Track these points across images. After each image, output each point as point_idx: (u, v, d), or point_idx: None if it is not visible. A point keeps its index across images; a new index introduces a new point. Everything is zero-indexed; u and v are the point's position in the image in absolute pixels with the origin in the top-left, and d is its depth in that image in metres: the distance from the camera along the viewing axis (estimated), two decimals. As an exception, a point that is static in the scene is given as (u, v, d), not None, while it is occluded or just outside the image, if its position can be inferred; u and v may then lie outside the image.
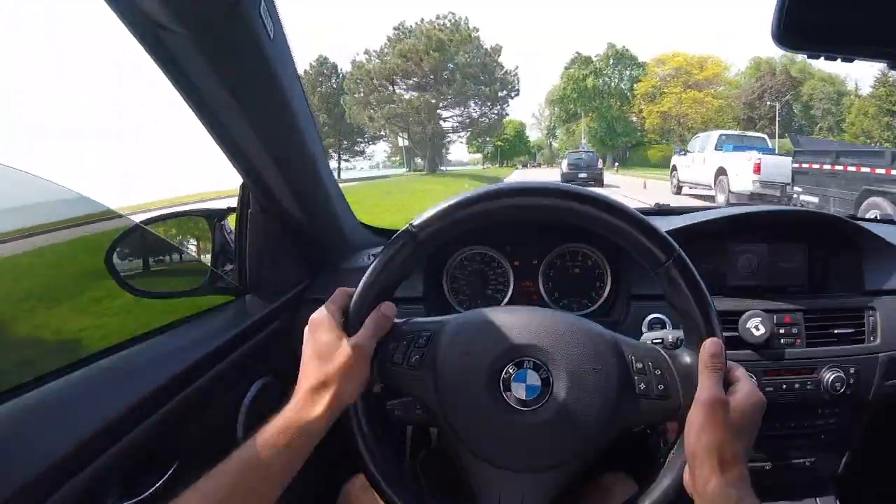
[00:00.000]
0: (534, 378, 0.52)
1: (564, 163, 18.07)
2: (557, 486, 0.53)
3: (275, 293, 0.86)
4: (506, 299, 1.00)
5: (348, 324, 0.54)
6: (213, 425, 0.75)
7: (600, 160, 18.70)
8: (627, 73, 40.89)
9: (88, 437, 0.51)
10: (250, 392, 0.81)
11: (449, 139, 36.13)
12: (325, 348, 0.52)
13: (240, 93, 0.62)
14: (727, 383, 0.51)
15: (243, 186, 0.84)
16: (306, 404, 0.50)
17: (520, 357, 0.53)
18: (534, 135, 57.02)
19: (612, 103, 40.24)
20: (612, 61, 41.16)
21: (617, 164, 35.28)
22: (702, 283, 0.52)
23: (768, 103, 31.32)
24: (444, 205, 0.54)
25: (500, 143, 50.62)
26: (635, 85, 39.06)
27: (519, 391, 0.52)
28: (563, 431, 0.51)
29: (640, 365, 0.53)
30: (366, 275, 0.55)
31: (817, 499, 1.01)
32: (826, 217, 0.95)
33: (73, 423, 0.52)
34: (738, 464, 0.48)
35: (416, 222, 0.54)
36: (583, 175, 16.07)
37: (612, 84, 41.33)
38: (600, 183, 15.35)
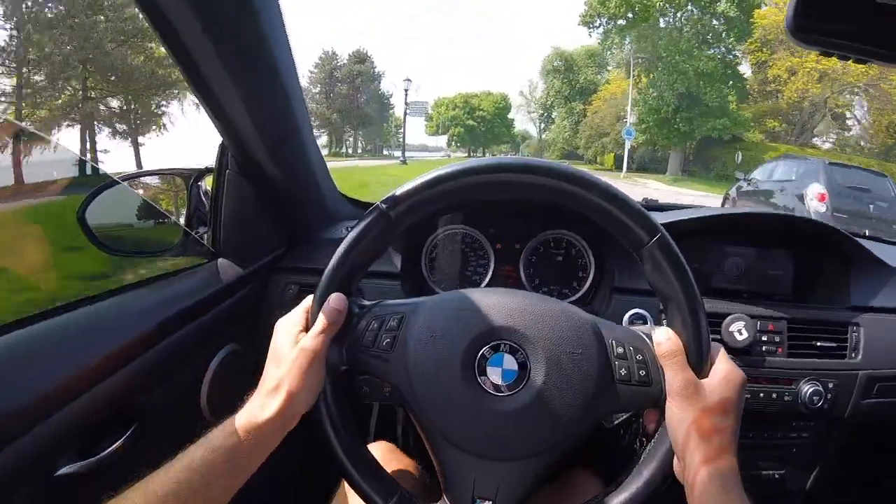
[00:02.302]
0: (510, 362, 0.50)
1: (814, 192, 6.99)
2: (534, 475, 0.51)
3: (248, 259, 0.83)
4: (484, 282, 0.98)
5: (311, 317, 0.53)
6: (177, 390, 0.73)
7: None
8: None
9: (44, 392, 0.49)
10: (216, 358, 0.79)
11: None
12: (279, 351, 0.52)
13: (225, 46, 0.59)
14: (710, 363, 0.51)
15: (222, 147, 0.81)
16: (257, 407, 0.49)
17: (496, 340, 0.51)
18: (520, 122, 43.01)
19: (695, 50, 18.99)
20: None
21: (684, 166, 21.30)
22: (685, 265, 0.50)
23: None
24: (416, 181, 0.52)
25: (471, 121, 36.99)
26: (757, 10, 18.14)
27: (495, 376, 0.50)
28: (541, 417, 0.50)
29: (620, 349, 0.52)
30: (332, 260, 0.53)
31: None
32: (819, 226, 0.93)
33: (27, 378, 0.49)
34: (727, 453, 0.47)
35: (387, 200, 0.52)
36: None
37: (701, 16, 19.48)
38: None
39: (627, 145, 22.25)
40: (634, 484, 0.51)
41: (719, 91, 19.37)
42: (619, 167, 26.89)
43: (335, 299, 0.52)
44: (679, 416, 0.48)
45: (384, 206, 0.52)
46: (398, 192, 0.53)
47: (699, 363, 0.50)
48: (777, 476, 0.96)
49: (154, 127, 20.12)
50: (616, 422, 0.69)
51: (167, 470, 0.45)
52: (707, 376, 0.50)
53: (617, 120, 26.06)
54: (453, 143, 40.40)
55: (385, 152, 38.04)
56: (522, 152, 42.14)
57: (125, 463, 0.51)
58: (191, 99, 18.63)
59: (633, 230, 0.51)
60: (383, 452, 0.78)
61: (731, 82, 20.51)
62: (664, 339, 0.51)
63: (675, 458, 0.50)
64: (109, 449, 0.59)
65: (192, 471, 0.45)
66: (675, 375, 0.49)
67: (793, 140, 20.65)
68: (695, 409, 0.48)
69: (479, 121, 38.15)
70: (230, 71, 0.62)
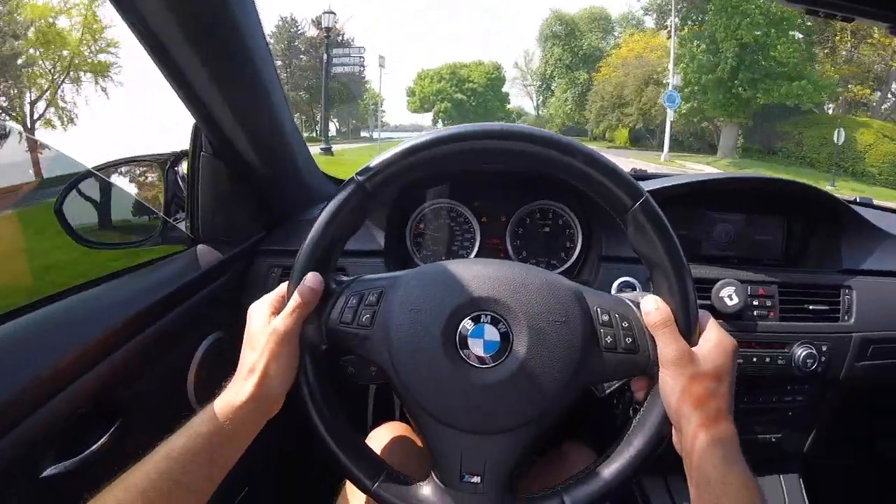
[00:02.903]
0: (492, 333, 0.49)
1: None
2: (522, 447, 0.50)
3: (229, 243, 0.81)
4: (471, 256, 0.96)
5: (287, 296, 0.52)
6: (162, 381, 0.72)
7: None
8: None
9: (23, 390, 0.48)
10: (201, 347, 0.77)
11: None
12: (253, 334, 0.51)
13: (194, 25, 0.57)
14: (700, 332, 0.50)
15: (195, 128, 0.78)
16: (233, 392, 0.49)
17: (476, 311, 0.50)
18: (515, 97, 38.39)
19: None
20: None
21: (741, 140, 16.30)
22: (670, 229, 0.49)
23: None
24: (393, 151, 0.51)
25: (459, 94, 33.04)
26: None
27: (477, 348, 0.49)
28: (526, 388, 0.48)
29: (605, 317, 0.51)
30: (309, 237, 0.52)
31: (781, 476, 1.01)
32: (809, 190, 0.92)
33: (4, 376, 0.48)
34: (724, 419, 0.47)
35: (362, 171, 0.51)
36: None
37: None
38: None
39: (670, 116, 16.26)
40: (625, 454, 0.50)
41: (795, 44, 13.89)
42: (635, 142, 23.08)
43: (310, 278, 0.51)
44: (672, 384, 0.48)
45: (360, 177, 0.51)
46: (373, 162, 0.51)
47: (688, 331, 0.50)
48: (773, 440, 0.96)
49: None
50: (608, 391, 0.69)
51: (147, 461, 0.44)
52: (697, 345, 0.50)
53: (646, 84, 21.03)
54: (440, 120, 33.66)
55: (363, 133, 32.70)
56: None
57: (112, 459, 0.50)
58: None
59: (616, 195, 0.50)
60: (395, 432, 0.77)
61: (811, 34, 14.13)
62: (653, 308, 0.50)
63: (672, 428, 0.49)
64: (95, 446, 0.58)
65: (171, 460, 0.44)
66: (667, 345, 0.49)
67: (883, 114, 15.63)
68: (688, 376, 0.47)
69: (468, 94, 33.17)
70: (199, 50, 0.60)
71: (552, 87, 31.91)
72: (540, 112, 35.03)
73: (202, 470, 0.45)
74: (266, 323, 0.51)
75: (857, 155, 13.04)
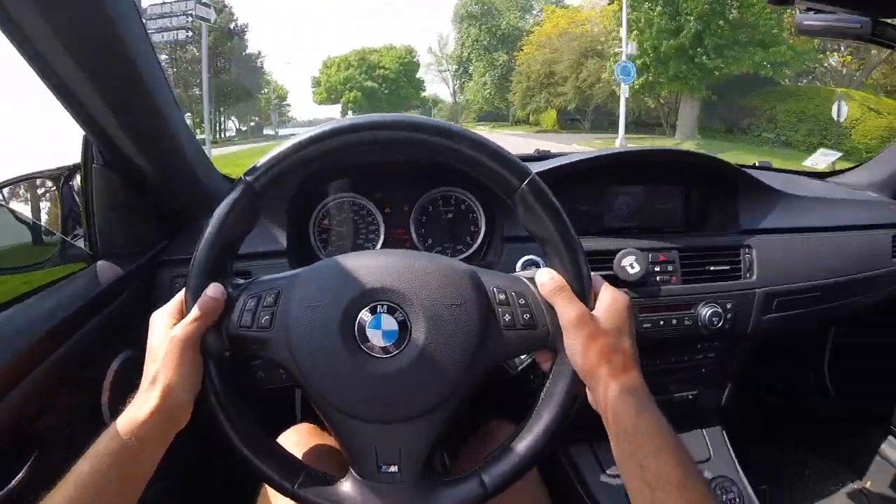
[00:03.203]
0: (389, 322, 0.50)
1: None
2: (434, 432, 0.51)
3: (129, 257, 0.78)
4: (377, 247, 0.97)
5: (186, 306, 0.52)
6: (76, 406, 0.69)
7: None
8: None
9: None
10: (112, 367, 0.74)
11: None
12: (154, 346, 0.51)
13: (66, 29, 0.54)
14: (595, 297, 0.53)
15: (85, 139, 0.74)
16: (136, 406, 0.48)
17: (372, 302, 0.50)
18: (430, 84, 37.32)
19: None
20: None
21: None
22: (557, 205, 0.51)
23: None
24: (280, 148, 0.51)
25: (370, 82, 30.28)
26: None
27: (376, 338, 0.50)
28: (428, 374, 0.49)
29: (502, 296, 0.52)
30: (200, 242, 0.51)
31: (704, 430, 1.07)
32: (704, 158, 0.98)
33: None
34: (631, 369, 0.49)
35: (250, 171, 0.51)
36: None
37: None
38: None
39: (625, 91, 14.47)
40: (536, 427, 0.52)
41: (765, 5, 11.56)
42: (565, 126, 21.15)
43: (212, 289, 0.50)
44: (576, 345, 0.50)
45: (248, 177, 0.51)
46: (260, 161, 0.51)
47: (583, 296, 0.52)
48: (690, 397, 1.02)
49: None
50: (520, 367, 0.71)
51: (56, 493, 0.42)
52: (594, 308, 0.52)
53: (585, 58, 18.96)
54: (349, 110, 30.26)
55: (267, 131, 29.14)
56: (435, 116, 33.74)
57: (32, 493, 0.47)
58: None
59: (504, 177, 0.51)
60: (304, 434, 0.77)
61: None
62: (547, 278, 0.52)
63: (585, 389, 0.51)
64: (12, 483, 0.55)
65: (81, 486, 0.42)
66: (565, 309, 0.50)
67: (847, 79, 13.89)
68: (589, 335, 0.49)
69: (380, 81, 30.51)
70: (74, 54, 0.57)
71: (469, 71, 30.26)
72: (457, 98, 33.56)
73: (112, 488, 0.44)
74: (166, 333, 0.50)
75: (843, 131, 11.52)
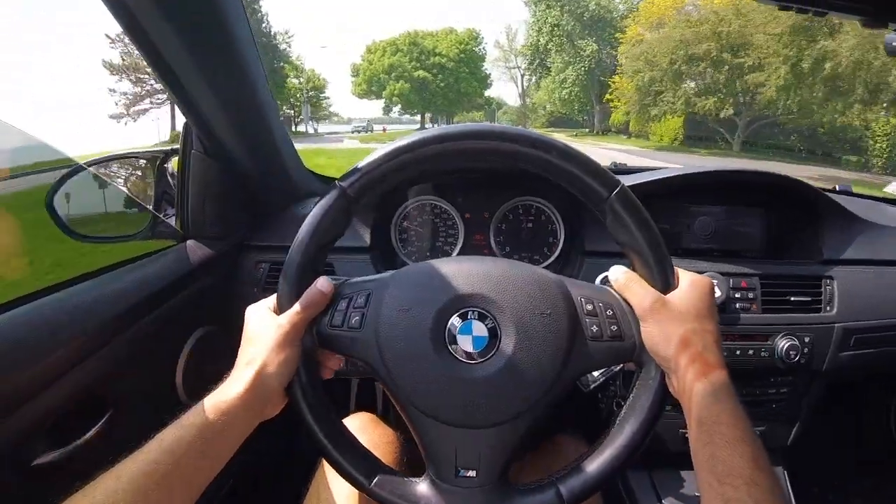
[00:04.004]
0: (480, 329, 0.50)
1: None
2: (515, 440, 0.51)
3: (217, 239, 0.82)
4: (455, 252, 0.97)
5: (280, 301, 0.52)
6: (152, 374, 0.73)
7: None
8: None
9: (14, 383, 0.49)
10: (189, 341, 0.78)
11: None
12: (254, 331, 0.52)
13: (184, 27, 0.58)
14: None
15: (186, 126, 0.79)
16: (228, 383, 0.49)
17: (464, 308, 0.51)
18: (496, 84, 30.97)
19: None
20: None
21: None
22: (646, 214, 0.50)
23: None
24: (373, 156, 0.52)
25: (421, 71, 23.59)
26: None
27: (466, 344, 0.50)
28: (515, 381, 0.49)
29: (590, 307, 0.52)
30: (294, 243, 0.52)
31: None
32: (788, 181, 0.93)
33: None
34: (716, 366, 0.47)
35: (345, 176, 0.52)
36: None
37: None
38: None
39: None
40: (618, 440, 0.51)
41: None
42: (695, 141, 13.39)
43: (321, 282, 0.52)
44: (654, 331, 0.49)
45: (343, 183, 0.52)
46: (357, 166, 0.52)
47: (666, 284, 0.50)
48: (758, 433, 0.97)
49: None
50: (593, 385, 0.70)
51: (140, 452, 0.44)
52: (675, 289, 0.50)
53: (797, 34, 11.12)
54: (392, 106, 24.81)
55: (300, 129, 24.29)
56: (500, 120, 28.39)
57: (101, 451, 0.50)
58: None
59: (592, 187, 0.51)
60: (363, 423, 0.77)
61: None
62: (621, 273, 0.52)
63: (667, 377, 0.50)
64: (84, 437, 0.59)
65: (163, 451, 0.44)
66: (639, 298, 0.50)
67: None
68: (667, 320, 0.48)
69: (434, 71, 23.85)
70: (191, 51, 0.61)
71: (547, 64, 23.54)
72: (525, 100, 27.61)
73: (192, 462, 0.45)
74: (268, 321, 0.51)
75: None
